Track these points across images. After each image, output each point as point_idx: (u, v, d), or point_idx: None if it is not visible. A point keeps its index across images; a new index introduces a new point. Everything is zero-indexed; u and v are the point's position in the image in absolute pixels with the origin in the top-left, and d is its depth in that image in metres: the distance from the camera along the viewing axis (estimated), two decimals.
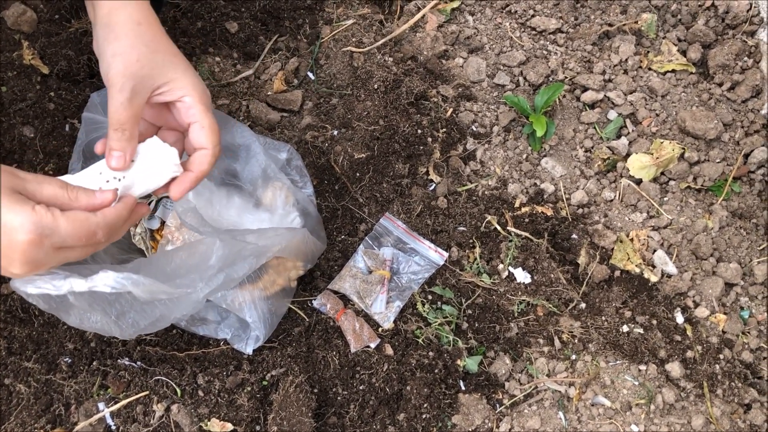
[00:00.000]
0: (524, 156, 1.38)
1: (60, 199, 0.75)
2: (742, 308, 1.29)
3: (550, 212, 1.33)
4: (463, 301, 1.26)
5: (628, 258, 1.29)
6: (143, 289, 0.86)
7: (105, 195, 0.78)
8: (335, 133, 1.35)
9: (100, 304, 0.92)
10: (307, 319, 1.23)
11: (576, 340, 1.24)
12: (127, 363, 1.17)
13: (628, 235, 1.31)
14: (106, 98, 0.98)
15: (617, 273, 1.30)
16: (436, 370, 1.19)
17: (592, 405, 1.18)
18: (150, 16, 0.84)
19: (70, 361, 1.17)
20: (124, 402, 1.14)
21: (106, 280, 0.83)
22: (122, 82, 0.79)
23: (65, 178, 0.80)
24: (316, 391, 1.16)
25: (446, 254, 1.28)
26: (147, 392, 1.14)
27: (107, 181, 0.81)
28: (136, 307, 0.93)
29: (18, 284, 0.82)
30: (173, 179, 0.85)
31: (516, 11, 1.49)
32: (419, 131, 1.35)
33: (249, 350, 1.16)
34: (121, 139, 0.80)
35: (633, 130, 1.39)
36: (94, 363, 1.17)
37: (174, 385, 1.15)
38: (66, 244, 0.74)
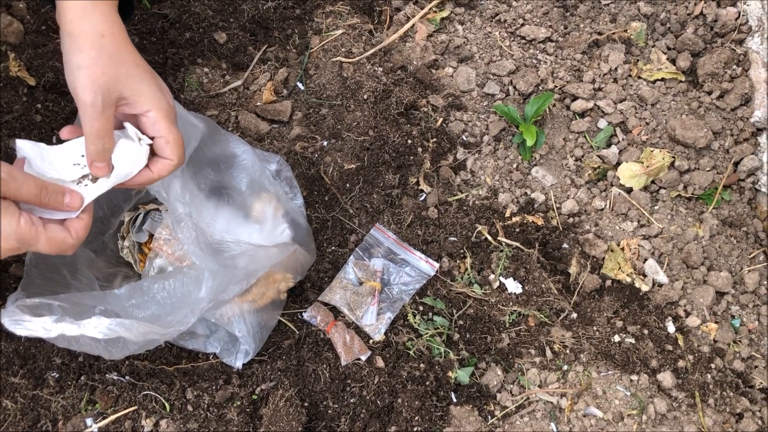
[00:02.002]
0: (515, 165, 1.38)
1: (35, 199, 0.80)
2: (733, 317, 1.29)
3: (540, 222, 1.33)
4: (455, 312, 1.25)
5: (619, 267, 1.29)
6: (135, 333, 0.87)
7: (73, 201, 0.84)
8: (325, 143, 1.35)
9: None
10: (297, 332, 1.22)
11: (567, 351, 1.23)
12: (115, 378, 1.15)
13: (618, 245, 1.31)
14: None
15: (608, 282, 1.29)
16: (428, 383, 1.18)
17: (584, 416, 1.18)
18: (114, 26, 0.85)
19: (57, 376, 1.16)
20: (112, 417, 1.12)
21: (98, 327, 0.85)
22: (92, 97, 0.80)
23: (47, 149, 0.84)
24: (306, 404, 1.16)
25: (437, 265, 1.27)
26: (135, 407, 1.13)
27: (82, 178, 0.86)
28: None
29: (8, 324, 0.84)
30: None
31: (505, 20, 1.49)
32: (409, 141, 1.34)
33: (239, 364, 1.15)
34: (101, 151, 0.84)
35: (623, 139, 1.38)
36: (82, 378, 1.16)
37: (163, 399, 1.14)
38: (40, 252, 0.81)
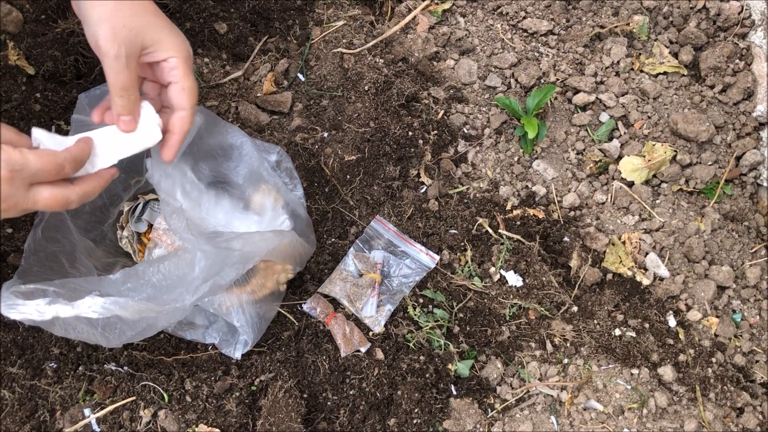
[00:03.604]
0: (516, 158, 1.38)
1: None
2: (734, 311, 1.28)
3: (541, 215, 1.32)
4: (455, 304, 1.24)
5: (620, 261, 1.29)
6: (130, 311, 0.86)
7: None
8: (325, 135, 1.34)
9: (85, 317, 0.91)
10: (297, 323, 1.21)
11: (568, 344, 1.23)
12: (113, 368, 1.15)
13: (620, 238, 1.31)
14: (95, 99, 0.99)
15: (609, 276, 1.29)
16: (427, 375, 1.18)
17: (585, 409, 1.17)
18: None
19: (55, 366, 1.15)
20: (110, 408, 1.12)
21: (92, 306, 0.84)
22: (116, 49, 0.80)
23: (62, 139, 0.85)
24: (305, 396, 1.15)
25: (437, 257, 1.27)
26: (134, 398, 1.13)
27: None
28: (122, 319, 0.92)
29: (2, 308, 0.82)
30: (158, 145, 0.90)
31: (507, 13, 1.48)
32: (410, 133, 1.34)
33: (237, 355, 1.14)
34: (127, 104, 0.84)
35: (625, 133, 1.38)
36: (80, 368, 1.15)
37: (161, 390, 1.13)
38: (36, 178, 0.77)
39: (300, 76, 1.41)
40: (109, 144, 0.87)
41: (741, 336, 1.26)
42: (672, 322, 1.26)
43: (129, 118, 0.85)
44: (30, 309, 0.82)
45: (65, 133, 1.23)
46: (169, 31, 0.86)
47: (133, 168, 1.19)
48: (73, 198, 0.81)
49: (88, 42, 0.83)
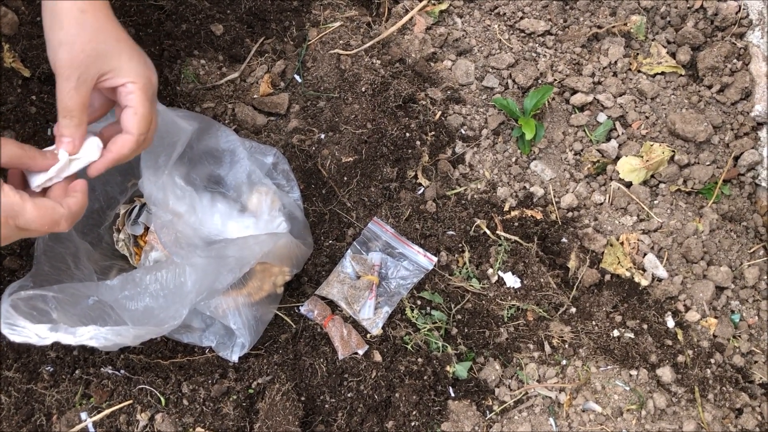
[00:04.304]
0: (513, 159, 1.37)
1: (17, 160, 0.80)
2: (732, 312, 1.28)
3: (539, 216, 1.32)
4: (453, 306, 1.24)
5: (619, 262, 1.28)
6: (131, 338, 0.87)
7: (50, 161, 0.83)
8: (322, 136, 1.34)
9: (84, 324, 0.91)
10: (294, 326, 1.21)
11: (566, 345, 1.22)
12: (110, 371, 1.14)
13: (618, 239, 1.30)
14: None
15: (607, 277, 1.28)
16: (425, 377, 1.17)
17: (583, 411, 1.17)
18: (96, 1, 0.84)
19: (52, 369, 1.15)
20: (107, 411, 1.12)
21: (94, 336, 0.86)
22: (68, 72, 0.81)
23: None
24: (303, 398, 1.15)
25: (435, 259, 1.27)
26: (130, 401, 1.12)
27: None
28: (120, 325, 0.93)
29: (4, 329, 0.83)
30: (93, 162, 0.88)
31: (505, 13, 1.48)
32: (407, 134, 1.33)
33: (234, 358, 1.14)
34: (69, 126, 0.83)
35: (623, 133, 1.38)
36: (77, 372, 1.15)
37: (158, 393, 1.13)
38: (29, 227, 0.78)
39: (297, 77, 1.40)
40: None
41: (740, 336, 1.26)
42: (670, 322, 1.26)
43: (69, 140, 0.84)
44: (30, 333, 0.83)
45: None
46: (131, 56, 0.86)
47: (129, 171, 1.19)
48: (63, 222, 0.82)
49: (48, 58, 0.83)
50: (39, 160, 0.82)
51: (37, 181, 0.85)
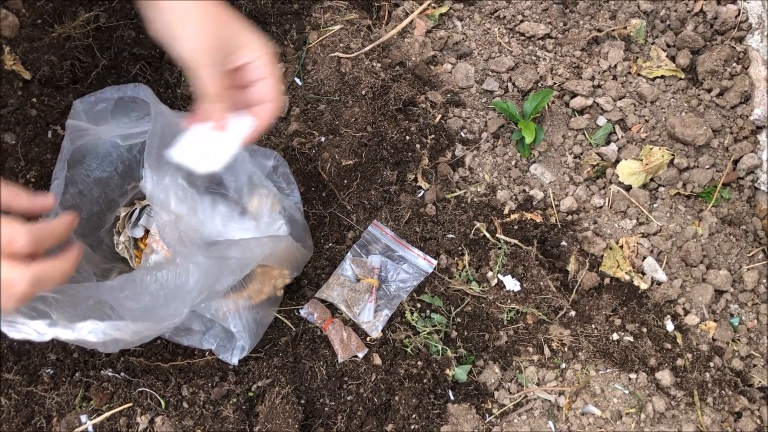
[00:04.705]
0: (513, 162, 1.37)
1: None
2: (732, 315, 1.28)
3: (539, 219, 1.32)
4: (452, 309, 1.24)
5: (618, 265, 1.28)
6: (129, 333, 0.87)
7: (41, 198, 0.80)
8: (322, 139, 1.34)
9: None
10: (294, 329, 1.21)
11: (566, 349, 1.23)
12: (110, 374, 1.15)
13: (617, 242, 1.31)
14: (90, 105, 0.99)
15: (607, 280, 1.29)
16: (425, 380, 1.17)
17: (582, 414, 1.17)
18: None
19: (52, 372, 1.15)
20: (107, 414, 1.12)
21: (93, 331, 0.85)
22: (207, 59, 0.86)
23: (172, 152, 0.93)
24: (302, 402, 1.15)
25: (435, 262, 1.27)
26: (130, 404, 1.13)
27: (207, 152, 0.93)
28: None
29: (3, 326, 0.83)
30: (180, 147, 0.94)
31: (504, 17, 1.48)
32: (407, 137, 1.33)
33: (234, 361, 1.14)
34: (217, 109, 0.90)
35: (622, 136, 1.38)
36: (77, 374, 1.15)
37: (158, 396, 1.13)
38: None
39: (297, 80, 1.40)
40: (205, 144, 0.94)
41: (739, 340, 1.26)
42: (670, 326, 1.26)
43: (223, 122, 0.91)
44: (29, 330, 0.82)
45: (60, 138, 1.23)
46: (252, 33, 0.90)
47: (129, 174, 1.19)
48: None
49: (172, 52, 0.87)
50: (23, 200, 0.78)
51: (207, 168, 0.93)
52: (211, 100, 0.89)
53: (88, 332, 0.84)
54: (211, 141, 0.94)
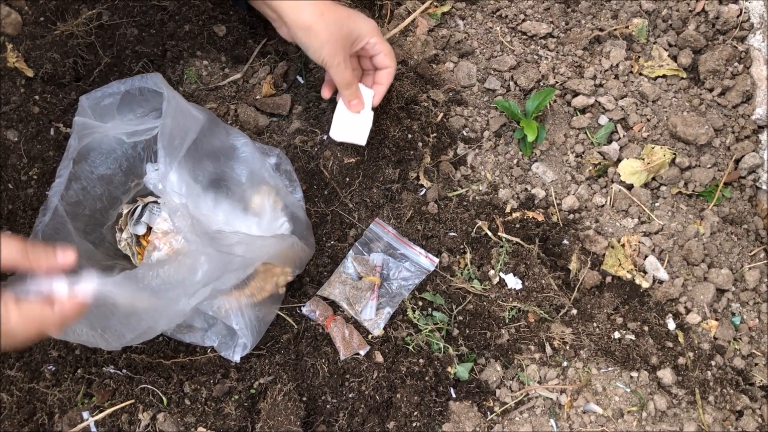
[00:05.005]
0: (515, 161, 1.37)
1: (23, 260, 0.77)
2: (733, 314, 1.28)
3: (541, 218, 1.32)
4: (454, 307, 1.24)
5: (620, 264, 1.29)
6: (131, 291, 0.85)
7: (66, 256, 0.81)
8: (325, 137, 1.34)
9: (86, 318, 0.90)
10: (296, 326, 1.21)
11: (567, 347, 1.23)
12: (112, 371, 1.15)
13: (619, 241, 1.31)
14: (95, 101, 1.01)
15: (608, 279, 1.29)
16: (427, 378, 1.18)
17: (584, 412, 1.17)
18: (320, 2, 1.11)
19: (54, 369, 1.15)
20: (109, 411, 1.12)
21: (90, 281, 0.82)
22: (336, 59, 1.13)
23: (332, 134, 1.26)
24: (304, 399, 1.15)
25: (437, 260, 1.27)
26: (132, 401, 1.13)
27: (353, 127, 1.24)
28: (121, 320, 0.92)
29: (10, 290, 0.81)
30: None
31: (507, 16, 1.48)
32: (409, 136, 1.34)
33: (236, 358, 1.14)
34: (355, 92, 1.20)
35: (624, 135, 1.38)
36: (79, 371, 1.15)
37: (160, 393, 1.13)
38: (15, 333, 0.74)
39: (299, 78, 1.40)
40: (351, 122, 1.24)
41: (740, 339, 1.26)
42: (671, 325, 1.26)
43: (356, 101, 1.21)
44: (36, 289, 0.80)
45: (65, 136, 1.23)
46: (361, 22, 1.15)
47: (132, 171, 1.19)
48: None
49: (312, 57, 1.15)
50: (42, 261, 0.79)
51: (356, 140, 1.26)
52: (346, 86, 1.18)
53: (88, 280, 0.82)
54: (352, 118, 1.23)
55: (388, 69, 1.21)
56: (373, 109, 1.24)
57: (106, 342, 0.94)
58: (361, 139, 1.25)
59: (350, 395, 1.16)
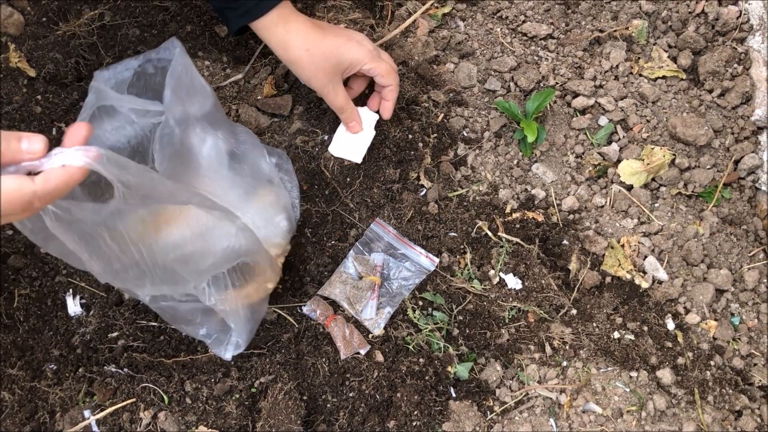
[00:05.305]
0: (515, 162, 1.38)
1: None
2: (732, 314, 1.29)
3: (541, 218, 1.33)
4: (454, 307, 1.25)
5: (619, 264, 1.29)
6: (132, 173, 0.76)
7: (32, 144, 0.71)
8: (326, 137, 1.34)
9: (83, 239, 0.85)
10: (297, 326, 1.22)
11: (567, 347, 1.23)
12: (113, 370, 1.15)
13: (619, 241, 1.31)
14: (111, 75, 1.00)
15: (608, 279, 1.29)
16: (427, 377, 1.18)
17: (584, 412, 1.18)
18: (308, 37, 1.14)
19: (55, 367, 1.16)
20: (110, 409, 1.12)
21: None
22: (326, 88, 1.19)
23: (330, 150, 1.32)
24: (305, 398, 1.15)
25: (437, 260, 1.27)
26: (134, 399, 1.13)
27: (353, 145, 1.30)
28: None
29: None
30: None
31: (507, 17, 1.49)
32: (410, 136, 1.34)
33: (228, 356, 1.14)
34: (350, 115, 1.25)
35: (624, 136, 1.38)
36: (80, 370, 1.15)
37: (161, 392, 1.14)
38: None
39: None
40: (351, 140, 1.30)
41: (739, 339, 1.27)
42: (671, 325, 1.26)
43: (353, 123, 1.26)
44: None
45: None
46: (349, 47, 1.17)
47: (140, 150, 1.17)
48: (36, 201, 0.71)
49: (298, 77, 1.21)
50: (14, 147, 0.70)
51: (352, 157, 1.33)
52: (340, 110, 1.23)
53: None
54: (352, 136, 1.29)
55: (390, 87, 1.24)
56: (380, 124, 1.31)
57: (98, 267, 0.88)
58: (357, 157, 1.30)
59: (351, 394, 1.17)
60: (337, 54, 1.15)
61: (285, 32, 1.13)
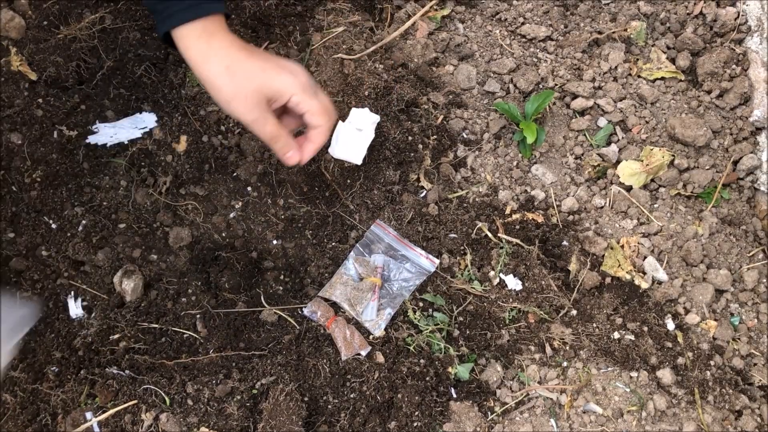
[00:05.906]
0: (515, 163, 1.38)
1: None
2: (732, 315, 1.29)
3: (540, 219, 1.33)
4: (455, 308, 1.25)
5: (619, 265, 1.29)
6: None
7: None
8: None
9: None
10: (298, 327, 1.22)
11: (567, 347, 1.23)
12: (115, 372, 1.15)
13: (618, 242, 1.32)
14: None
15: (608, 280, 1.29)
16: (428, 378, 1.18)
17: (584, 412, 1.18)
18: (230, 51, 0.94)
19: (57, 370, 1.16)
20: (112, 411, 1.12)
21: None
22: (250, 115, 0.94)
23: (331, 151, 1.28)
24: (306, 399, 1.16)
25: (437, 261, 1.28)
26: (135, 401, 1.13)
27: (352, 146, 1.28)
28: None
29: None
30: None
31: (506, 19, 1.50)
32: (410, 138, 1.35)
33: None
34: (284, 145, 0.98)
35: (623, 137, 1.39)
36: (82, 372, 1.16)
37: (163, 393, 1.14)
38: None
39: None
40: (350, 141, 1.28)
41: (739, 339, 1.27)
42: (670, 325, 1.27)
43: (291, 153, 0.99)
44: None
45: (68, 139, 1.23)
46: (279, 75, 0.95)
47: None
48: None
49: (216, 103, 0.96)
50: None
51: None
52: (272, 141, 0.97)
53: None
54: (352, 137, 1.27)
55: (320, 128, 1.00)
56: (381, 125, 1.30)
57: None
58: (357, 158, 1.28)
59: (351, 395, 1.17)
60: (262, 77, 0.95)
61: (206, 47, 0.94)
